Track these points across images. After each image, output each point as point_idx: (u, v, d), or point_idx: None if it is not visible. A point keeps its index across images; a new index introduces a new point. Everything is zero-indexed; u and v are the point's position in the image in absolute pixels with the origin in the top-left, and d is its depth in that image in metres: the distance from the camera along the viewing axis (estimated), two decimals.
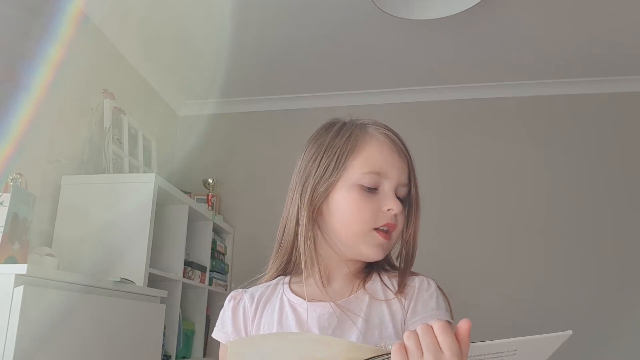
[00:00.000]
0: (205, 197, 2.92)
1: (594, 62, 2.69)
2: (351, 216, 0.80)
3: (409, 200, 0.84)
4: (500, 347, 0.52)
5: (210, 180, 2.96)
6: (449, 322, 0.77)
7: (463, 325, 0.53)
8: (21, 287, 1.22)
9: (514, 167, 2.86)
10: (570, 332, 0.52)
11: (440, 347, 0.53)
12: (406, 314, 0.79)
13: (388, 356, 0.54)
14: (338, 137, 0.83)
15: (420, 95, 3.04)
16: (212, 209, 2.87)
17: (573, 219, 2.74)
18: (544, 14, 2.29)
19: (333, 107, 3.03)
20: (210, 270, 2.65)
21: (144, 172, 2.42)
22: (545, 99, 2.93)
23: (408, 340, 0.54)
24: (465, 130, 2.96)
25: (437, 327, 0.54)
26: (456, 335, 0.53)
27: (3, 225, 1.40)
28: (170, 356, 2.21)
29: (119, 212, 2.03)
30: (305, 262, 0.81)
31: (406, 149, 0.84)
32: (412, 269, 0.85)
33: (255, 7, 2.28)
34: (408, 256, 0.85)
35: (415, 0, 2.10)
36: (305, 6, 2.27)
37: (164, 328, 2.02)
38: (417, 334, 0.54)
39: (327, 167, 0.82)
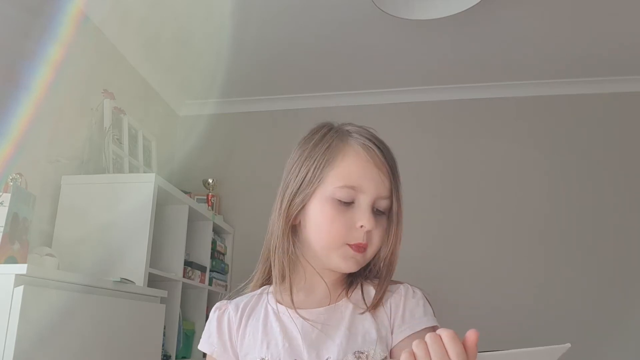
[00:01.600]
0: (205, 197, 2.92)
1: (594, 62, 2.69)
2: (324, 230, 0.79)
3: (391, 215, 0.82)
4: (503, 358, 0.54)
5: (210, 180, 2.96)
6: (435, 327, 0.78)
7: (471, 335, 0.55)
8: (21, 287, 1.22)
9: (514, 167, 2.86)
10: (569, 345, 0.55)
11: (448, 355, 0.54)
12: (393, 322, 0.78)
13: None
14: (318, 147, 0.82)
15: (420, 95, 3.03)
16: (212, 209, 2.87)
17: (574, 219, 2.73)
18: (544, 14, 2.29)
19: (333, 107, 3.03)
20: (210, 270, 2.65)
21: (144, 172, 2.42)
22: (545, 99, 2.92)
23: (417, 348, 0.56)
24: (465, 131, 2.96)
25: (445, 335, 0.55)
26: (464, 344, 0.55)
27: (3, 225, 1.40)
28: (170, 356, 2.21)
29: (119, 212, 2.03)
30: (279, 272, 0.82)
31: (387, 160, 0.81)
32: (410, 274, 0.85)
33: (255, 7, 2.28)
34: (385, 272, 0.83)
35: (415, 0, 2.10)
36: (305, 6, 2.27)
37: (164, 328, 2.02)
38: (425, 342, 0.56)
39: (304, 178, 0.81)
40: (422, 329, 0.76)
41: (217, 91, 3.05)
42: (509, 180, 2.85)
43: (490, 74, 2.85)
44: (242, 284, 0.90)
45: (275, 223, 0.84)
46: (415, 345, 0.56)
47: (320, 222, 0.80)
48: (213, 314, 0.88)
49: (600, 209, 2.73)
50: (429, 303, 0.81)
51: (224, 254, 2.90)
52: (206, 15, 2.34)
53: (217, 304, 0.89)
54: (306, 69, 2.84)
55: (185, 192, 2.54)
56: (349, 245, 0.78)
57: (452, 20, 2.21)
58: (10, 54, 1.85)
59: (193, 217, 2.52)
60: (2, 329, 1.20)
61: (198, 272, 2.51)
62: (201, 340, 0.87)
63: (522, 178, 2.84)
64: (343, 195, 0.78)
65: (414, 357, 0.56)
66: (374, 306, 0.79)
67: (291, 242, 0.82)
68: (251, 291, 0.89)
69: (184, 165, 3.05)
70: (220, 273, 2.82)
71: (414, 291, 0.81)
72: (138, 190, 2.07)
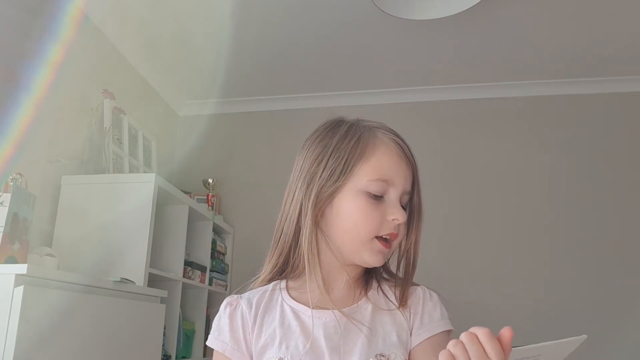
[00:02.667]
0: (205, 197, 2.92)
1: (594, 62, 2.69)
2: (356, 223, 0.78)
3: (410, 208, 0.83)
4: (527, 352, 0.56)
5: (210, 180, 2.96)
6: (451, 330, 0.78)
7: (506, 333, 0.56)
8: (21, 287, 1.22)
9: (514, 167, 2.86)
10: (585, 336, 0.57)
11: (486, 354, 0.55)
12: (412, 325, 0.78)
13: None
14: (346, 140, 0.81)
15: (420, 95, 3.03)
16: (212, 209, 2.87)
17: (574, 219, 2.73)
18: (544, 14, 2.29)
19: (333, 107, 3.03)
20: (210, 270, 2.65)
21: (144, 172, 2.42)
22: (546, 98, 2.92)
23: (455, 348, 0.56)
24: (466, 130, 2.96)
25: (482, 334, 0.56)
26: (499, 342, 0.55)
27: (3, 225, 1.40)
28: (170, 356, 2.21)
29: (119, 212, 2.03)
30: (308, 267, 0.79)
31: (412, 155, 0.83)
32: (416, 276, 0.84)
33: (255, 7, 2.28)
34: (409, 266, 0.83)
35: (415, 0, 2.10)
36: (305, 6, 2.27)
37: (164, 328, 2.02)
38: (462, 342, 0.56)
39: (334, 171, 0.79)
40: (439, 333, 0.77)
41: (217, 91, 3.05)
42: (509, 181, 2.85)
43: (490, 74, 2.85)
44: (253, 279, 0.87)
45: (300, 216, 0.81)
46: (453, 346, 0.56)
47: (352, 215, 0.78)
48: (224, 310, 0.84)
49: (601, 208, 2.72)
50: (444, 307, 0.81)
51: (224, 254, 2.90)
52: (206, 15, 2.34)
53: (228, 299, 0.85)
54: (306, 69, 2.85)
55: (185, 192, 2.54)
56: (377, 239, 0.78)
57: (452, 20, 2.21)
58: (10, 54, 1.85)
59: (193, 217, 2.52)
60: (2, 329, 1.20)
61: (198, 272, 2.51)
62: (210, 336, 0.83)
63: (522, 178, 2.84)
64: (376, 188, 0.78)
65: (453, 357, 0.55)
66: (404, 302, 0.79)
67: (321, 237, 0.80)
68: (260, 285, 0.86)
69: (184, 165, 3.05)
70: (221, 273, 2.82)
71: (430, 294, 0.82)
72: (138, 190, 2.07)
